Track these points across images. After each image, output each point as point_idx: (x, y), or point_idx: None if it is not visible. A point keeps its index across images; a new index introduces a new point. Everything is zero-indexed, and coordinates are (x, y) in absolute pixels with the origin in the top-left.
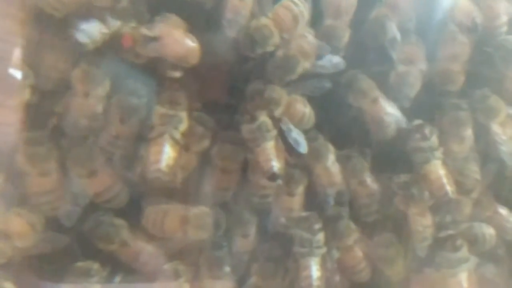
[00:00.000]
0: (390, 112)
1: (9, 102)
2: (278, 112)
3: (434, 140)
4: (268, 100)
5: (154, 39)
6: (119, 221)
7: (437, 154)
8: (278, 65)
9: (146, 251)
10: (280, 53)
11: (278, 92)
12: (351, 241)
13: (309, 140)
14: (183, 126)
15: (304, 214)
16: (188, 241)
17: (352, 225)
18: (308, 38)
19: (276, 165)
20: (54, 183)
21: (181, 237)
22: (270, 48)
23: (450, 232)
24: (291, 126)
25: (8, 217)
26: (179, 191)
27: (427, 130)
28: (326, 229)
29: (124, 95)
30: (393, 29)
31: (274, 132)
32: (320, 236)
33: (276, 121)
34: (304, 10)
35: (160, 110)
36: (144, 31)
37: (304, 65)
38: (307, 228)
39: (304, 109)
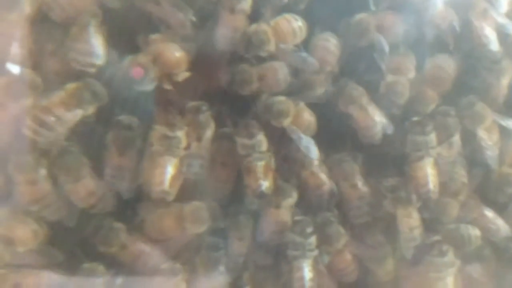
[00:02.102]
0: (377, 120)
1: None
2: (287, 123)
3: (432, 137)
4: (278, 113)
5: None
6: (118, 225)
7: (432, 152)
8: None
9: (144, 252)
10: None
11: (286, 104)
12: (341, 245)
13: None
14: (183, 145)
15: (297, 218)
16: (188, 237)
17: (342, 230)
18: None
19: (264, 184)
20: (43, 191)
21: (181, 234)
22: (263, 53)
23: (437, 237)
24: (301, 135)
25: (13, 223)
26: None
27: (428, 126)
28: (316, 234)
29: (118, 129)
30: (381, 41)
31: (267, 154)
32: (312, 239)
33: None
34: (303, 27)
35: (158, 131)
36: (142, 59)
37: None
38: (299, 232)
39: (311, 118)
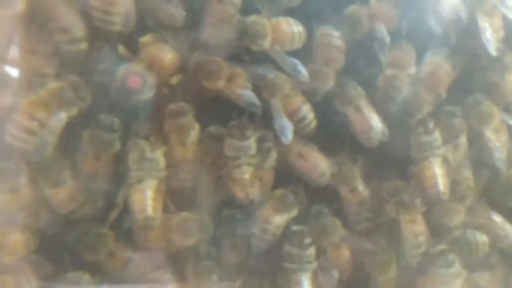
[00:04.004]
0: (373, 124)
1: None
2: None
3: (436, 135)
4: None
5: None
6: (105, 231)
7: (438, 151)
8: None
9: (133, 260)
10: None
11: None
12: (338, 238)
13: None
14: (162, 166)
15: (293, 228)
16: (175, 249)
17: (337, 222)
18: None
19: (252, 192)
20: (26, 198)
21: (167, 246)
22: (255, 47)
23: (442, 246)
24: (282, 114)
25: (8, 229)
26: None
27: (430, 125)
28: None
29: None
30: (382, 31)
31: (257, 159)
32: (311, 251)
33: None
34: (303, 34)
35: (136, 155)
36: (137, 67)
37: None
38: (297, 244)
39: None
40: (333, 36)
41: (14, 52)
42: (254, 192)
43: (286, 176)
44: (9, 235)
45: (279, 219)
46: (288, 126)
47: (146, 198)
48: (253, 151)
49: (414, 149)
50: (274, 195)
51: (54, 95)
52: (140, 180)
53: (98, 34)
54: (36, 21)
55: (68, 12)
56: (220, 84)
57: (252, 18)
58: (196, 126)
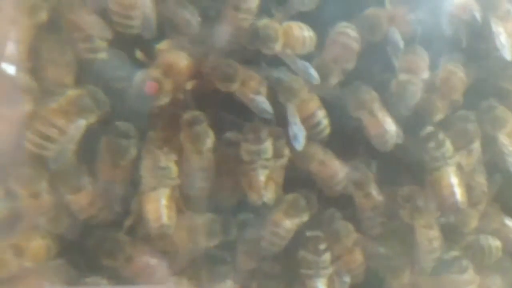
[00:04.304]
0: (388, 128)
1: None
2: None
3: (448, 146)
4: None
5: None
6: (123, 237)
7: (451, 160)
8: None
9: (150, 265)
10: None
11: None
12: (351, 243)
13: None
14: (175, 174)
15: (309, 234)
16: (198, 250)
17: (350, 226)
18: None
19: (266, 195)
20: (46, 204)
21: (192, 246)
22: (267, 51)
23: (455, 253)
24: (297, 120)
25: (30, 235)
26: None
27: (440, 137)
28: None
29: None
30: (396, 35)
31: (272, 162)
32: (326, 257)
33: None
34: (314, 38)
35: (149, 163)
36: (154, 72)
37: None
38: (312, 250)
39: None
40: (348, 35)
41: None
42: (268, 195)
43: (299, 181)
44: (31, 240)
45: (289, 223)
46: (301, 132)
47: (160, 207)
48: (268, 154)
49: (426, 161)
50: (286, 199)
51: (73, 103)
52: (154, 188)
53: (116, 41)
54: (57, 32)
55: (92, 21)
56: (234, 87)
57: (264, 22)
58: (211, 134)
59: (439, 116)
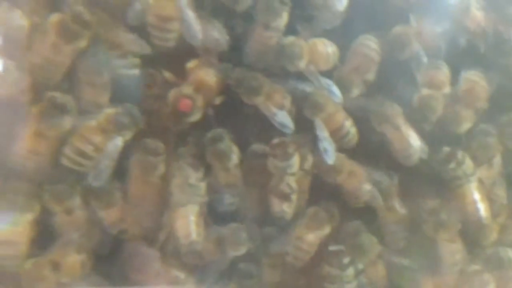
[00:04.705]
0: (412, 142)
1: None
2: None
3: (468, 163)
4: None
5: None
6: (154, 251)
7: (473, 178)
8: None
9: (179, 279)
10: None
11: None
12: (374, 256)
13: None
14: (203, 191)
15: (332, 248)
16: (224, 261)
17: (374, 239)
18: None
19: (287, 210)
20: (79, 219)
21: (220, 256)
22: (292, 68)
23: (476, 267)
24: (326, 135)
25: (65, 251)
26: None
27: (459, 156)
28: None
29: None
30: (420, 52)
31: (297, 177)
32: (350, 271)
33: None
34: (336, 54)
35: (179, 180)
36: (187, 90)
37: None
38: (336, 264)
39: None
40: (369, 46)
41: None
42: (288, 209)
43: (321, 193)
44: (66, 256)
45: (312, 237)
46: (331, 146)
47: (190, 224)
48: (295, 168)
49: (447, 179)
50: (307, 213)
51: (110, 120)
52: (183, 205)
53: (147, 61)
54: (93, 54)
55: (129, 38)
56: (259, 100)
57: (290, 39)
58: (236, 149)
59: (466, 126)
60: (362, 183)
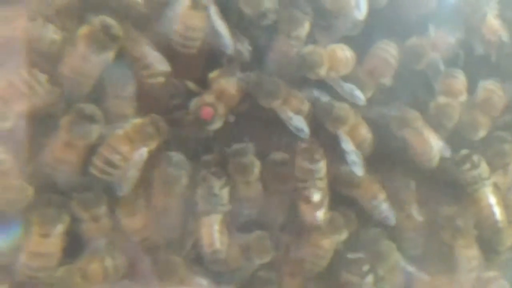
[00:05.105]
0: (434, 144)
1: None
2: (342, 131)
3: (484, 167)
4: (336, 118)
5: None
6: (177, 259)
7: (488, 181)
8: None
9: (203, 286)
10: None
11: (346, 111)
12: (394, 262)
13: None
14: (226, 201)
15: (351, 256)
16: (250, 268)
17: (393, 245)
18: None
19: (320, 215)
20: (105, 226)
21: (246, 264)
22: (313, 76)
23: (493, 273)
24: (352, 147)
25: (93, 258)
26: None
27: (475, 158)
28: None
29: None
30: (437, 61)
31: (325, 182)
32: (369, 279)
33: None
34: (354, 58)
35: (204, 191)
36: (209, 98)
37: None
38: (356, 272)
39: (367, 134)
40: (387, 50)
41: None
42: (322, 216)
43: (338, 198)
44: (93, 263)
45: (328, 242)
46: (359, 158)
47: (213, 232)
48: (321, 174)
49: (463, 183)
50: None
51: (138, 130)
52: (207, 214)
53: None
54: (119, 67)
55: (152, 55)
56: (276, 103)
57: (309, 48)
58: (257, 163)
59: (482, 133)
60: (377, 194)
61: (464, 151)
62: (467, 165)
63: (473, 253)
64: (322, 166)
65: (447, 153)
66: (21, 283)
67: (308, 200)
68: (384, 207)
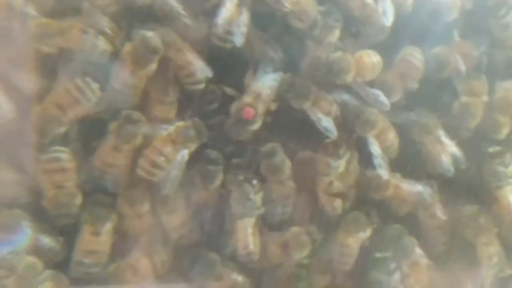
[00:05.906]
0: (451, 153)
1: None
2: (371, 135)
3: (511, 168)
4: (365, 122)
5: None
6: (213, 256)
7: (511, 181)
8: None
9: (238, 283)
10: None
11: (375, 116)
12: (417, 256)
13: None
14: (259, 204)
15: (377, 255)
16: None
17: (415, 241)
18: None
19: (338, 207)
20: (148, 223)
21: (286, 260)
22: (339, 81)
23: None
24: (379, 150)
25: (140, 255)
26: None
27: (508, 156)
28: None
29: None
30: (459, 63)
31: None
32: (396, 277)
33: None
34: (381, 63)
35: (238, 194)
36: (249, 99)
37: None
38: (383, 270)
39: (395, 139)
40: (415, 56)
41: None
42: (340, 206)
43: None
44: (141, 260)
45: (353, 241)
46: (385, 162)
47: (247, 235)
48: (342, 169)
49: (488, 178)
50: (346, 219)
51: (180, 133)
52: (241, 217)
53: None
54: (164, 76)
55: (193, 59)
56: (306, 105)
57: (337, 55)
58: (288, 163)
59: (504, 131)
60: (408, 195)
61: (497, 148)
62: (498, 160)
63: (494, 250)
64: (343, 162)
65: (463, 165)
66: (77, 279)
67: (329, 191)
68: None
